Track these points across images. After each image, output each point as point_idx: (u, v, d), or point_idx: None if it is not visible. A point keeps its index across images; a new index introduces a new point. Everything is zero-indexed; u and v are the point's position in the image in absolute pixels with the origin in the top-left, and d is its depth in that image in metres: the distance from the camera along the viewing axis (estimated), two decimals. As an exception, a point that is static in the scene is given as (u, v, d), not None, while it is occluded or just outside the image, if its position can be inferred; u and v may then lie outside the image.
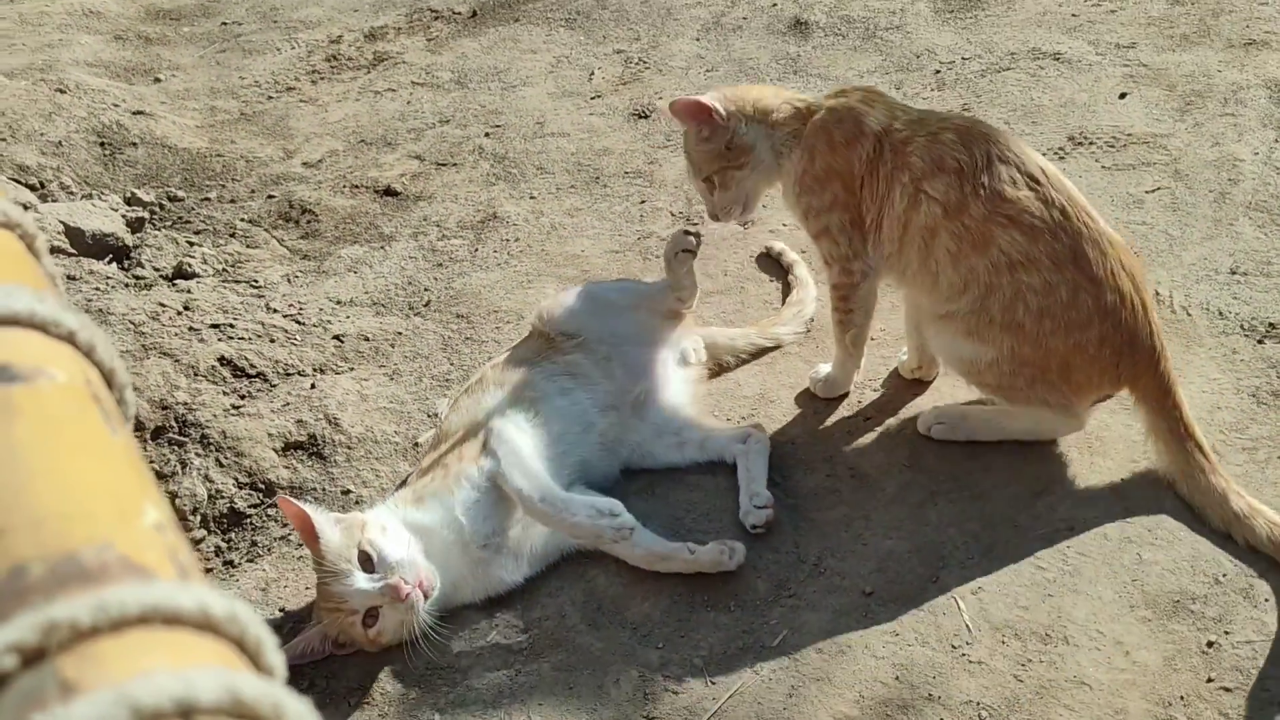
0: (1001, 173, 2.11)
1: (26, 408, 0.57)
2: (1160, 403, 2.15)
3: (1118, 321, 2.10)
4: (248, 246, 3.18)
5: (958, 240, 2.12)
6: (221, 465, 2.40)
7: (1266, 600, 1.98)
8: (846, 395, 2.48)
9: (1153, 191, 2.95)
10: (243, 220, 3.30)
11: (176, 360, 2.62)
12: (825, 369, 2.47)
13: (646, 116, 3.62)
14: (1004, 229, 2.09)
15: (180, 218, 3.31)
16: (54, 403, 0.59)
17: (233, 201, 3.40)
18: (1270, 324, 2.51)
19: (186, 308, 2.81)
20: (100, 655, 0.42)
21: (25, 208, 2.96)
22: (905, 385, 2.50)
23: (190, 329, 2.74)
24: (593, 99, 3.77)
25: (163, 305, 2.79)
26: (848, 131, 2.24)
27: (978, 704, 1.88)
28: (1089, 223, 2.11)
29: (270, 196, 3.41)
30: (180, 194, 3.40)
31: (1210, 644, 1.93)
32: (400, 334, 2.80)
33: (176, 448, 2.43)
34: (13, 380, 0.59)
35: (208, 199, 3.41)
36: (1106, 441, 2.30)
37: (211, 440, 2.44)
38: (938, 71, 3.60)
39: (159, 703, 0.39)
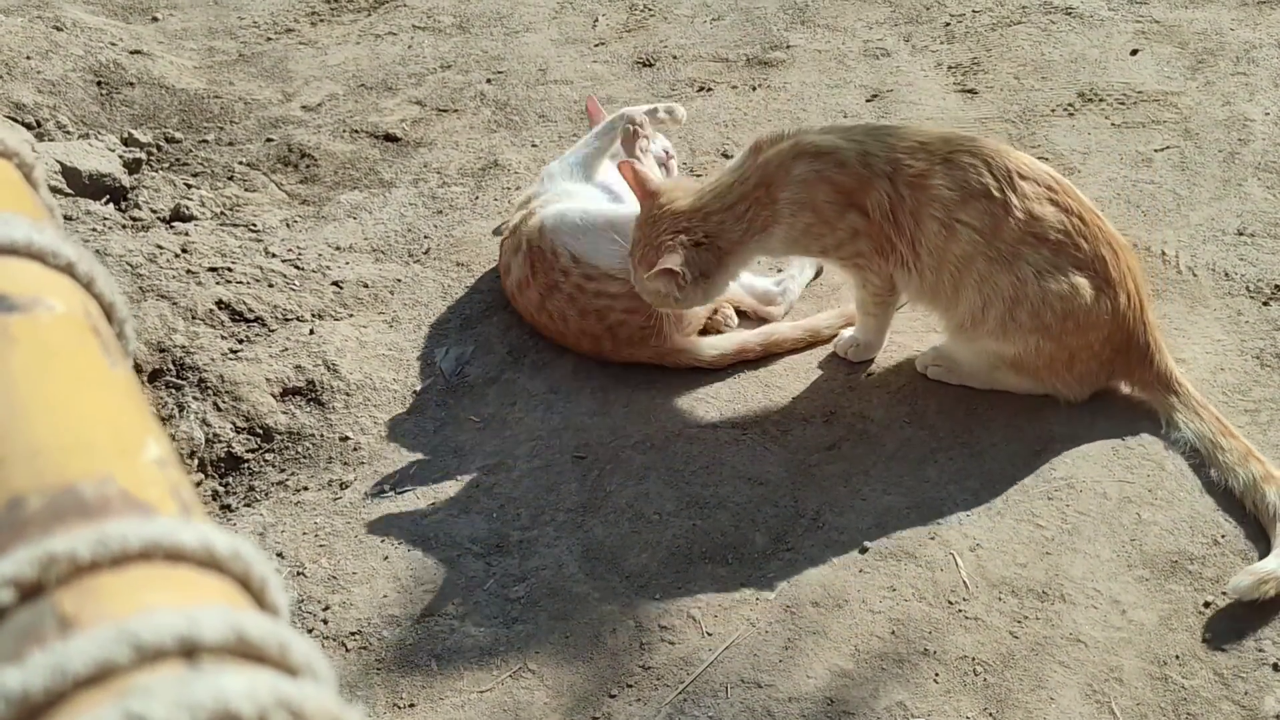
0: (1026, 189, 2.14)
1: (23, 338, 0.56)
2: (1165, 389, 2.20)
3: (1122, 321, 2.18)
4: (246, 190, 3.15)
5: (990, 262, 2.14)
6: (219, 409, 2.39)
7: (1264, 562, 1.98)
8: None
9: (1162, 150, 2.92)
10: (241, 163, 3.26)
11: (174, 303, 2.60)
12: (850, 333, 2.45)
13: (651, 65, 3.57)
14: (1033, 248, 2.12)
15: (178, 159, 3.27)
16: (52, 333, 0.57)
17: (231, 144, 3.36)
18: (1276, 286, 2.50)
19: (184, 250, 2.78)
20: (100, 591, 0.41)
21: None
22: (909, 342, 2.49)
23: (188, 272, 2.71)
24: (596, 46, 3.71)
25: (160, 247, 2.76)
26: (855, 176, 2.17)
27: (973, 659, 1.88)
28: (1100, 225, 2.18)
29: (269, 140, 3.36)
30: (178, 135, 3.36)
31: (1207, 604, 1.93)
32: (399, 281, 2.78)
33: (174, 391, 2.41)
34: (10, 310, 0.58)
35: (205, 141, 3.37)
36: (1107, 401, 2.29)
37: (209, 384, 2.42)
38: (947, 24, 3.55)
39: (161, 640, 0.38)
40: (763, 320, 2.57)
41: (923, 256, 2.19)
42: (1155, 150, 2.92)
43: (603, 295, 2.41)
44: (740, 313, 2.59)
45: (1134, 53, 3.29)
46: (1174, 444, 2.17)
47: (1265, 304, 2.47)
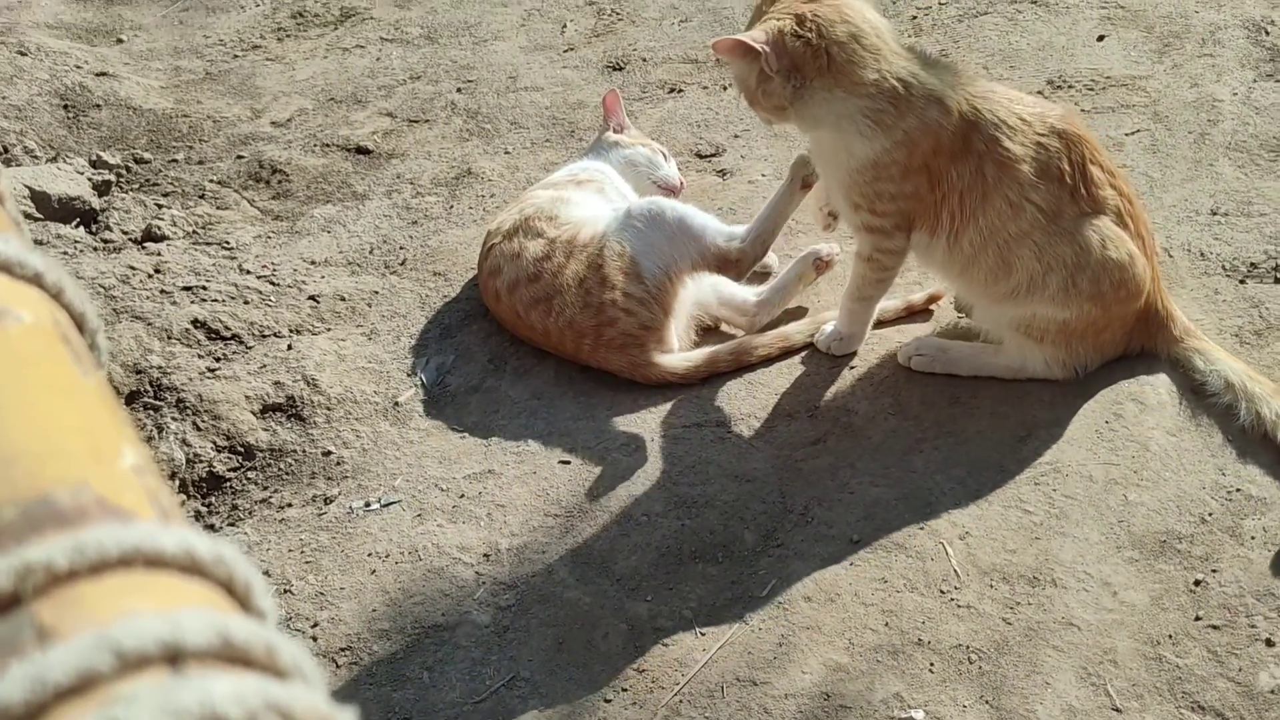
0: (1095, 174, 2.17)
1: (-8, 349, 0.54)
2: (1193, 338, 2.26)
3: (1149, 295, 2.25)
4: (218, 208, 3.12)
5: (1048, 235, 2.15)
6: (199, 429, 2.36)
7: (1253, 538, 1.99)
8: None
9: (1132, 134, 2.93)
10: (212, 181, 3.23)
11: (149, 324, 2.57)
12: (831, 327, 2.43)
13: (620, 68, 3.57)
14: (1091, 221, 2.16)
15: (148, 180, 3.25)
16: (21, 343, 0.56)
17: (201, 163, 3.34)
18: (1251, 264, 2.51)
19: (157, 270, 2.75)
20: (80, 599, 0.39)
21: (-12, 172, 2.89)
22: (889, 333, 2.49)
23: (162, 292, 2.68)
24: (566, 52, 3.71)
25: (133, 268, 2.74)
26: (958, 146, 2.13)
27: (967, 647, 1.88)
28: (1139, 205, 2.26)
29: (239, 157, 3.34)
30: (147, 156, 3.33)
31: (1197, 583, 1.93)
32: (377, 293, 2.76)
33: (152, 412, 2.39)
34: (-24, 322, 0.56)
35: (175, 160, 3.34)
36: (1088, 384, 2.29)
37: (188, 404, 2.40)
38: (914, 17, 3.56)
39: (144, 646, 0.36)
40: (732, 334, 2.56)
41: (969, 230, 2.17)
42: (1126, 134, 2.93)
43: (617, 290, 2.40)
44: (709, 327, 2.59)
45: (1100, 38, 3.31)
46: (1207, 382, 2.19)
47: (1241, 282, 2.48)
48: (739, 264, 2.49)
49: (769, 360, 2.45)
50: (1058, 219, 2.15)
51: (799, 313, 2.58)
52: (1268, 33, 3.21)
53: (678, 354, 2.44)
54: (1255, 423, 2.13)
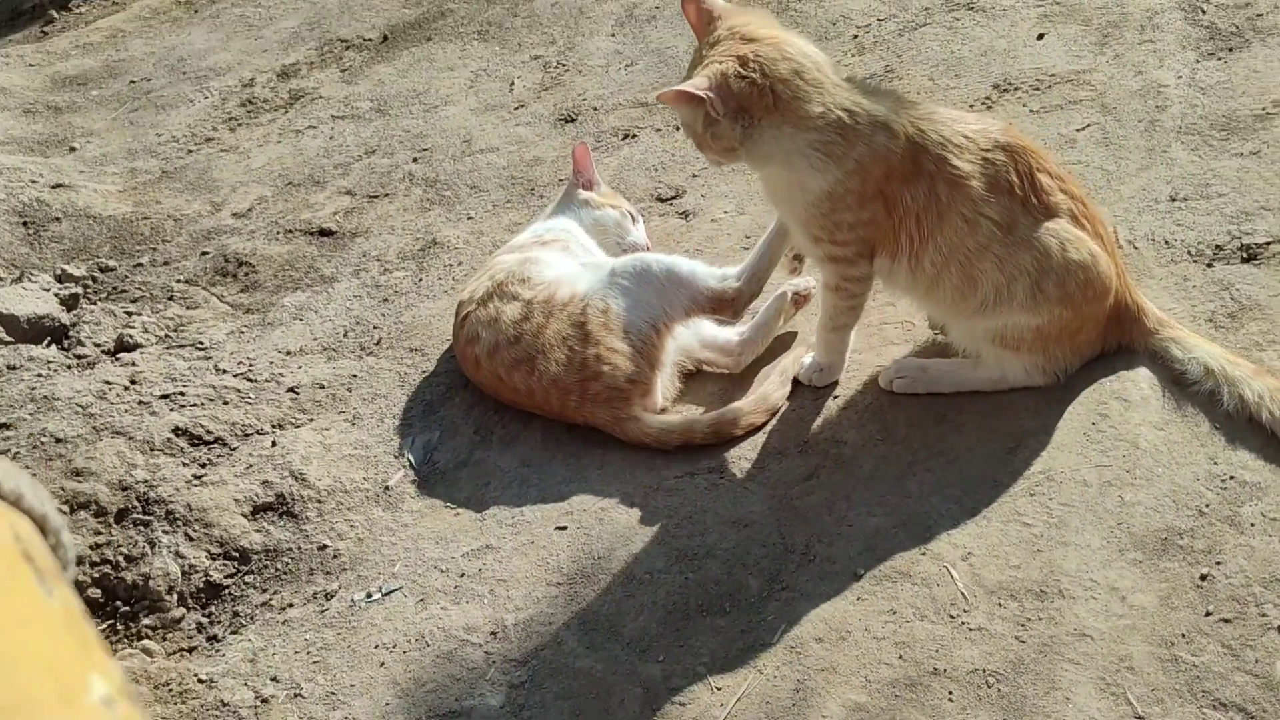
0: (1043, 182, 2.19)
1: (-48, 586, 0.54)
2: (1167, 328, 2.28)
3: (1117, 291, 2.26)
4: (188, 308, 3.12)
5: (1006, 247, 2.17)
6: (191, 539, 2.34)
7: (1252, 525, 1.99)
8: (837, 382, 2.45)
9: (1083, 129, 2.95)
10: (179, 281, 3.23)
11: (130, 438, 2.56)
12: (811, 359, 2.44)
13: (573, 120, 3.58)
14: (1048, 227, 2.18)
15: (115, 288, 3.24)
16: (-19, 574, 0.55)
17: (166, 264, 3.33)
18: (1216, 246, 2.52)
19: (133, 381, 2.74)
20: None
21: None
22: (868, 360, 2.49)
23: (140, 403, 2.67)
24: (517, 109, 3.72)
25: (109, 383, 2.73)
26: (908, 169, 2.16)
27: (983, 671, 1.87)
28: (1093, 206, 2.28)
29: (204, 253, 3.34)
30: (111, 263, 3.33)
31: (1203, 577, 1.93)
32: (355, 376, 2.76)
33: (143, 528, 2.37)
34: (-66, 555, 0.56)
35: (140, 264, 3.34)
36: (1071, 387, 2.30)
37: (177, 515, 2.38)
38: (856, 36, 3.59)
39: None
40: (716, 374, 2.55)
41: (929, 250, 2.19)
42: (1077, 130, 2.95)
43: (601, 345, 2.40)
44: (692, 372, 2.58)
45: (1040, 37, 3.33)
46: (1186, 371, 2.21)
47: (1209, 266, 2.49)
48: (735, 302, 2.51)
49: (754, 429, 2.39)
50: (1013, 229, 2.17)
51: (784, 343, 2.58)
52: (1204, 11, 3.24)
53: (660, 416, 2.42)
54: (1239, 406, 2.14)
